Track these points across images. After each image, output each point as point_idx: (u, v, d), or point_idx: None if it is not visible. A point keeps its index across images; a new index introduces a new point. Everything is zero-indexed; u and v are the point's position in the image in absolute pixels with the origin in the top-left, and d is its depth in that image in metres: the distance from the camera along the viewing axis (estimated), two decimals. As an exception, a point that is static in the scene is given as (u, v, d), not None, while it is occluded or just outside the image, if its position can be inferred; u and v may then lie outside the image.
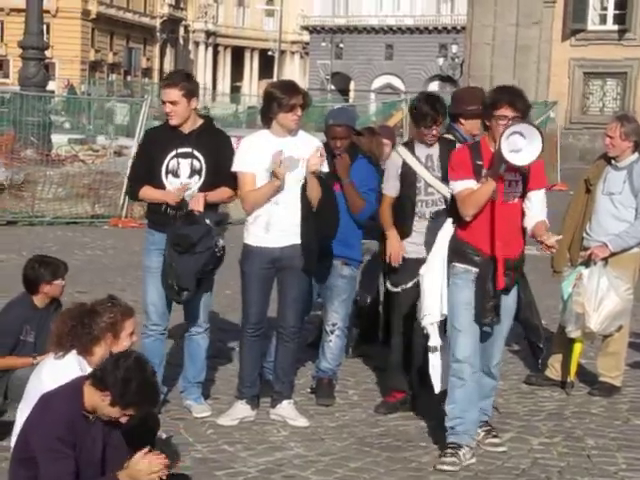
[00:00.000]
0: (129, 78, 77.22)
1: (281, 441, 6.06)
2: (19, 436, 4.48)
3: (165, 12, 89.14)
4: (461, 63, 51.04)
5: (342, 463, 5.71)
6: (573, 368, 7.27)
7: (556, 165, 25.48)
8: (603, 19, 36.37)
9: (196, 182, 6.26)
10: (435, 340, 5.89)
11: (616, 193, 7.16)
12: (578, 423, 6.60)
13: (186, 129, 6.27)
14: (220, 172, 6.25)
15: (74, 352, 4.93)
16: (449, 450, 5.68)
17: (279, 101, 6.10)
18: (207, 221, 6.09)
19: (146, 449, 4.27)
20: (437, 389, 5.98)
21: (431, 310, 5.82)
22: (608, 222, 7.17)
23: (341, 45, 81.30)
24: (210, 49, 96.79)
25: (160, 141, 6.32)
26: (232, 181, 6.25)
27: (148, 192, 6.31)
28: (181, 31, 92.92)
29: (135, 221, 15.75)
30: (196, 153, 6.26)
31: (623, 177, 7.16)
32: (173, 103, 6.21)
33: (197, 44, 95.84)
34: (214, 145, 6.30)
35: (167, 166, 6.25)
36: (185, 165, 6.25)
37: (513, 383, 7.53)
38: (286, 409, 6.41)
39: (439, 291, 5.77)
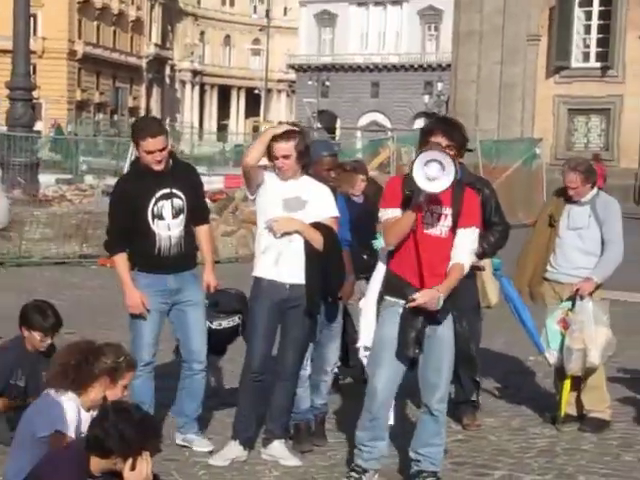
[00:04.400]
0: (116, 117, 77.47)
1: (272, 481, 6.05)
2: None
3: (151, 52, 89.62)
4: (447, 100, 51.44)
5: (334, 502, 5.71)
6: (564, 404, 7.30)
7: (542, 201, 25.54)
8: (586, 57, 36.77)
9: (182, 221, 6.34)
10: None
11: (583, 228, 7.33)
12: (569, 460, 6.60)
13: (162, 172, 6.32)
14: (199, 205, 6.49)
15: (70, 392, 4.93)
16: (353, 474, 5.81)
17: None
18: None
19: None
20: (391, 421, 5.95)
21: (365, 342, 5.83)
22: (575, 256, 7.33)
23: (327, 83, 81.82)
24: (197, 88, 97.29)
25: (138, 188, 6.34)
26: (207, 211, 6.54)
27: (120, 269, 6.38)
28: (167, 70, 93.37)
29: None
30: (175, 191, 6.34)
31: (587, 212, 7.34)
32: (163, 150, 6.27)
33: (183, 83, 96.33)
34: (189, 180, 6.46)
35: (152, 211, 6.30)
36: (167, 206, 6.31)
37: (504, 420, 7.54)
38: (278, 449, 6.39)
39: (371, 323, 5.76)
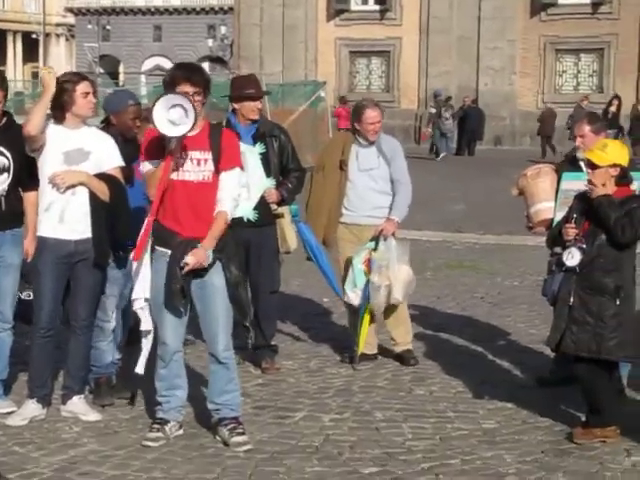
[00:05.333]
0: None
1: (74, 438, 5.97)
2: None
3: None
4: (231, 44, 51.23)
5: (138, 455, 5.69)
6: (362, 341, 7.52)
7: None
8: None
9: (5, 180, 6.16)
10: (146, 324, 5.91)
11: (374, 168, 7.52)
12: (366, 397, 6.83)
13: None
14: (28, 171, 6.22)
15: None
16: (155, 425, 5.89)
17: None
18: None
19: None
20: (139, 370, 5.99)
21: (138, 294, 5.86)
22: (371, 196, 7.54)
23: (108, 27, 79.92)
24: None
25: None
26: (36, 179, 6.17)
27: None
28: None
29: None
30: (2, 149, 6.15)
31: (375, 152, 7.55)
32: None
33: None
34: (20, 143, 6.14)
35: None
36: None
37: (302, 362, 7.71)
38: (77, 404, 6.32)
39: (145, 275, 5.80)
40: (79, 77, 6.23)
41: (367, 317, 7.52)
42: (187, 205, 5.62)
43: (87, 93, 6.12)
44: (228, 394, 5.86)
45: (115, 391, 6.66)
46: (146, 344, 5.96)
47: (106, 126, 6.70)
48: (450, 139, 32.76)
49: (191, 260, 5.53)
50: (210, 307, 5.75)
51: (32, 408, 6.24)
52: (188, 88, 5.58)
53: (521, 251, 12.90)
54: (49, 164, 6.09)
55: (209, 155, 5.64)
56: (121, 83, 68.03)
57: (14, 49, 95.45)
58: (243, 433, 5.83)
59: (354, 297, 7.50)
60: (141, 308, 5.88)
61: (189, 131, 5.45)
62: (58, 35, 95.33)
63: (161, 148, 5.56)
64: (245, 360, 7.50)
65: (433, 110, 32.20)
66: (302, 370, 7.50)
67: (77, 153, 6.11)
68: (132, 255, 5.87)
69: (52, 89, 5.98)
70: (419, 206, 7.64)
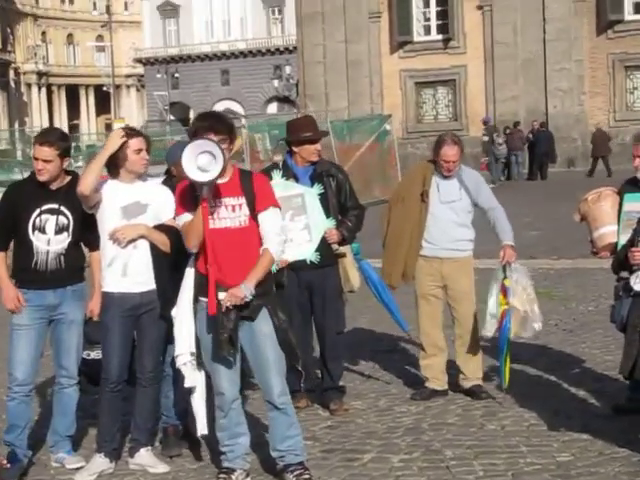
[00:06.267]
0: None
1: (142, 491, 5.96)
2: None
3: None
4: (296, 83, 51.53)
5: (205, 506, 5.64)
6: (508, 373, 7.37)
7: (396, 176, 25.88)
8: (427, 30, 37.30)
9: (65, 239, 6.20)
10: (190, 381, 5.85)
11: (456, 200, 7.43)
12: (436, 435, 6.68)
13: (54, 186, 6.20)
14: (90, 232, 6.24)
15: None
16: (221, 475, 5.82)
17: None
18: None
19: None
20: (199, 432, 5.94)
21: (181, 350, 5.81)
22: (452, 229, 7.44)
23: (176, 75, 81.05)
24: (43, 89, 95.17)
25: (26, 196, 6.23)
26: (98, 239, 6.20)
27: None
28: (11, 74, 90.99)
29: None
30: (63, 209, 6.19)
31: (457, 184, 7.44)
32: (46, 161, 6.11)
33: (29, 86, 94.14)
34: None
35: (34, 222, 6.16)
36: (51, 221, 6.17)
37: (371, 401, 7.59)
38: (145, 457, 6.30)
39: (187, 330, 5.75)
40: (133, 133, 6.23)
41: (508, 349, 7.32)
42: (227, 252, 5.58)
43: (140, 150, 6.13)
44: (291, 439, 5.78)
45: (183, 441, 6.63)
46: (197, 401, 5.89)
47: (168, 177, 6.71)
48: (521, 164, 32.52)
49: (225, 297, 5.48)
50: (261, 354, 5.69)
51: (100, 462, 6.22)
52: (212, 137, 5.55)
53: (596, 275, 12.62)
54: (108, 219, 6.12)
55: (243, 200, 5.63)
56: (192, 129, 68.80)
57: (87, 102, 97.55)
58: (310, 478, 5.74)
59: (490, 327, 7.31)
60: (184, 364, 5.82)
61: (218, 177, 5.42)
62: (128, 86, 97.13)
63: (194, 199, 5.56)
64: (314, 402, 7.42)
65: (485, 138, 32.05)
66: (371, 410, 7.38)
67: (135, 206, 6.13)
68: (173, 311, 5.85)
69: (111, 150, 6.01)
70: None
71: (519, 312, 7.23)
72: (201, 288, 5.64)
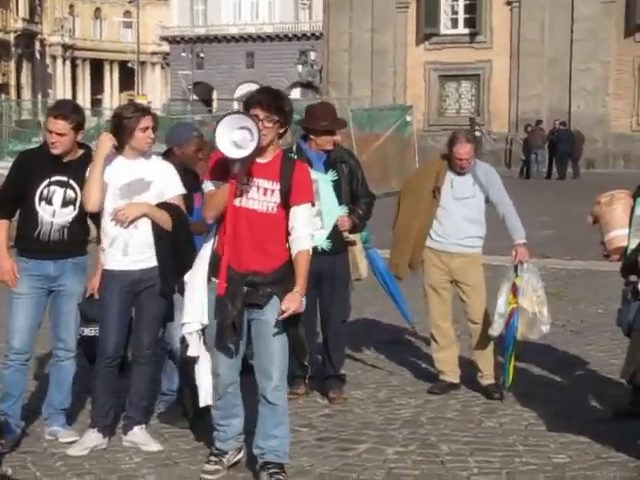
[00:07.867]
0: (-16, 94, 75.33)
1: (133, 469, 5.88)
2: None
3: (19, 26, 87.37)
4: (320, 69, 51.44)
5: (196, 487, 5.59)
6: (512, 373, 7.31)
7: (414, 168, 25.78)
8: (455, 23, 37.17)
9: (70, 212, 6.15)
10: (195, 350, 5.60)
11: (470, 197, 7.38)
12: (433, 429, 6.63)
13: (65, 158, 6.14)
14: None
15: None
16: (213, 458, 5.72)
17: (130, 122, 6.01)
18: None
19: None
20: (202, 403, 5.72)
21: (190, 318, 5.58)
22: (465, 225, 7.39)
23: (202, 55, 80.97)
24: (68, 63, 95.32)
25: (36, 166, 6.18)
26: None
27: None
28: (37, 45, 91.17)
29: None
30: (72, 183, 6.14)
31: (470, 180, 7.38)
32: (60, 134, 6.05)
33: (54, 58, 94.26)
34: None
35: (41, 193, 6.11)
36: (59, 194, 6.12)
37: (370, 392, 7.54)
38: (138, 435, 6.26)
39: (200, 300, 5.53)
40: (141, 110, 6.17)
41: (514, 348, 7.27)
42: (247, 234, 5.37)
43: (147, 128, 6.06)
44: (275, 440, 5.48)
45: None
46: (202, 371, 5.70)
47: (167, 157, 6.66)
48: (541, 162, 32.37)
49: (291, 307, 5.28)
50: (265, 345, 5.47)
51: (93, 438, 6.19)
52: (259, 112, 5.30)
53: (608, 277, 12.47)
54: (110, 197, 6.05)
55: (277, 186, 5.37)
56: (214, 110, 68.78)
57: (111, 78, 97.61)
58: None
59: (496, 327, 7.24)
60: (190, 333, 5.62)
61: (252, 155, 5.18)
62: (153, 63, 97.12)
63: (226, 170, 5.28)
64: (313, 389, 7.38)
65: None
66: (370, 400, 7.33)
67: (138, 183, 6.07)
68: (186, 276, 5.75)
69: (103, 155, 5.95)
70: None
71: (527, 313, 7.16)
72: (213, 267, 5.44)
